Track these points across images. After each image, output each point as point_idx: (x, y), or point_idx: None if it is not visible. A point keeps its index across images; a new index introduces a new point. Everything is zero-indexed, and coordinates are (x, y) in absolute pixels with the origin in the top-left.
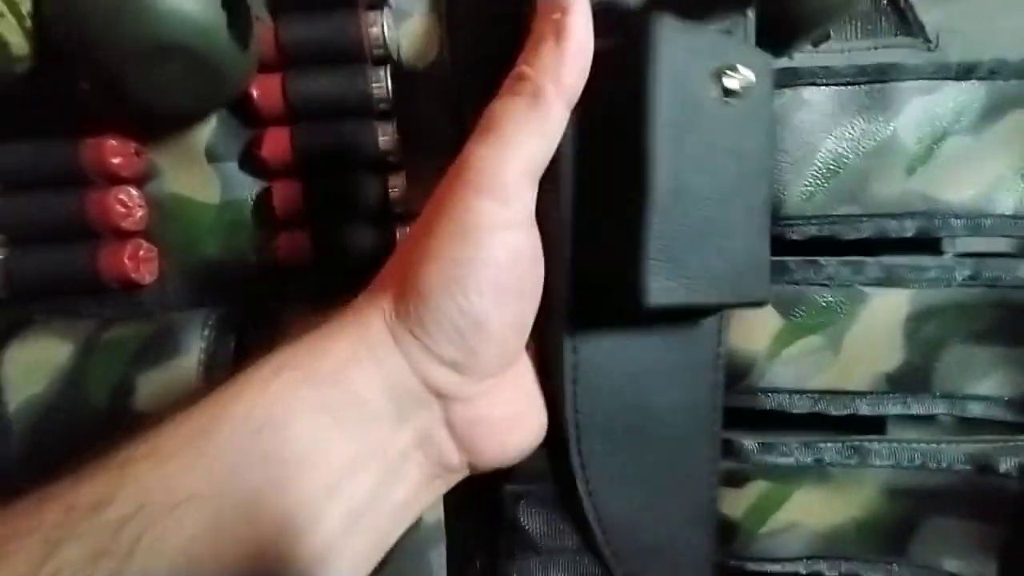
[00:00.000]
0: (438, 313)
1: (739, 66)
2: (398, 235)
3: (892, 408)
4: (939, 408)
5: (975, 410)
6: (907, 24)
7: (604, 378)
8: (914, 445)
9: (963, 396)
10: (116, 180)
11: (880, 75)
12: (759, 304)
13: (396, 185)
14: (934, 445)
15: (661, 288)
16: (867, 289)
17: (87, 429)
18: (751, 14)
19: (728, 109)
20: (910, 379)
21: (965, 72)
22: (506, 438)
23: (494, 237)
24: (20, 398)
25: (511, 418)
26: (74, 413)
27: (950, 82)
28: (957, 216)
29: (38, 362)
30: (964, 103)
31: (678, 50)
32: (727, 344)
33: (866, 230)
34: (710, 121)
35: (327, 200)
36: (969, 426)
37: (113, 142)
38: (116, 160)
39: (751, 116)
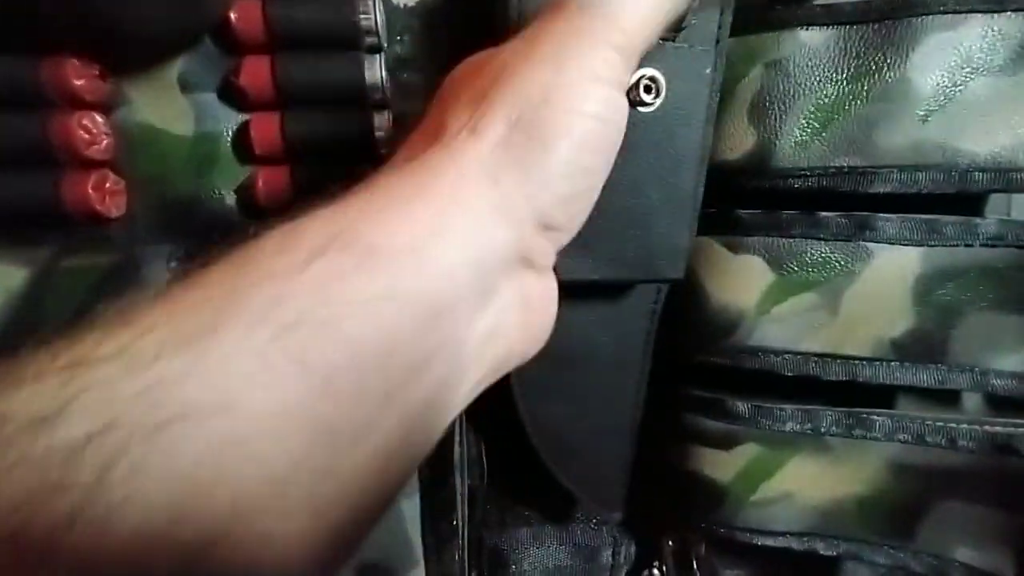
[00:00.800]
0: (566, 164)
1: (655, 75)
2: None
3: (899, 377)
4: (955, 382)
5: (998, 386)
6: None
7: None
8: (927, 421)
9: (984, 370)
10: (79, 104)
11: (891, 11)
12: (670, 282)
13: (381, 123)
14: (951, 424)
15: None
16: (872, 245)
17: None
18: None
19: (646, 113)
20: (920, 347)
21: (998, 2)
22: (545, 318)
23: (618, 94)
24: None
25: (551, 298)
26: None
27: (978, 15)
28: (982, 169)
29: None
30: (996, 38)
31: None
32: (661, 301)
33: (870, 184)
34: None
35: (309, 135)
36: (990, 404)
37: (76, 62)
38: (79, 82)
39: (676, 117)
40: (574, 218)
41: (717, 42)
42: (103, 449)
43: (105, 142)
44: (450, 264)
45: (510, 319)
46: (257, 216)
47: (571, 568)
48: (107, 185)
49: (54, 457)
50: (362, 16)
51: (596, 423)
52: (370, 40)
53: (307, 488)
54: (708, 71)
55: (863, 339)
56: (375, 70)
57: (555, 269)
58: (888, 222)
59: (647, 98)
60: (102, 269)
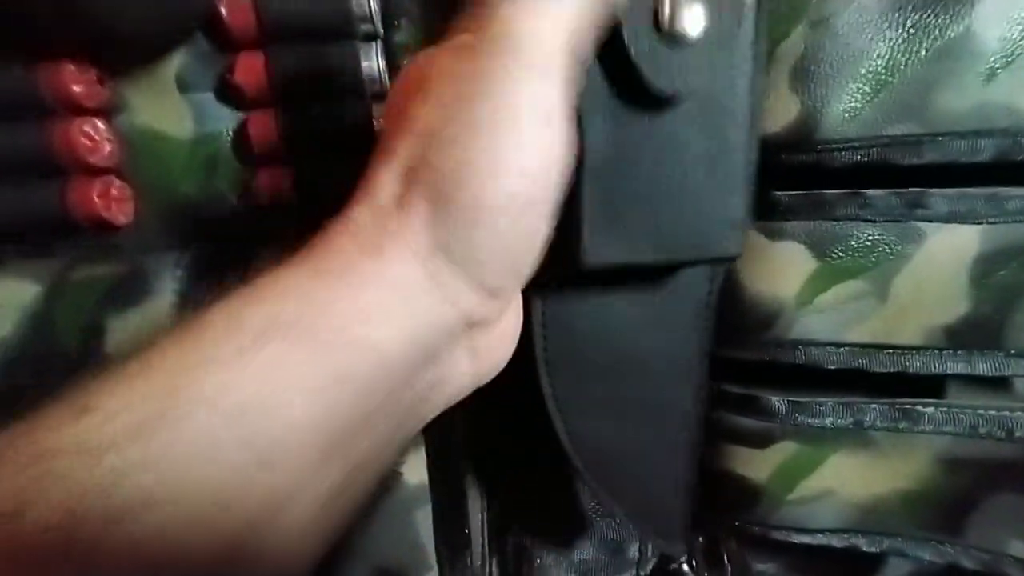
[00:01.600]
0: (499, 236)
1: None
2: None
3: (952, 366)
4: (1012, 369)
5: None
6: None
7: (572, 324)
8: (980, 411)
9: None
10: (79, 111)
11: None
12: (727, 260)
13: (382, 115)
14: (1005, 412)
15: (599, 247)
16: (925, 225)
17: (56, 372)
18: None
19: (683, 54)
20: (976, 333)
21: None
22: (505, 351)
23: (552, 128)
24: None
25: (512, 329)
26: (43, 356)
27: None
28: None
29: (5, 304)
30: None
31: None
32: (715, 292)
33: (928, 153)
34: (655, 53)
35: (307, 132)
36: None
37: (72, 67)
38: (77, 88)
39: (719, 62)
40: (521, 273)
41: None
42: (60, 540)
43: (108, 148)
44: (388, 347)
45: (457, 370)
46: (261, 218)
47: (596, 563)
48: (112, 192)
49: (19, 551)
50: (355, 2)
51: (649, 440)
52: (365, 28)
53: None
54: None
55: (914, 327)
56: (372, 59)
57: (583, 254)
58: (943, 199)
59: (688, 28)
60: (111, 280)
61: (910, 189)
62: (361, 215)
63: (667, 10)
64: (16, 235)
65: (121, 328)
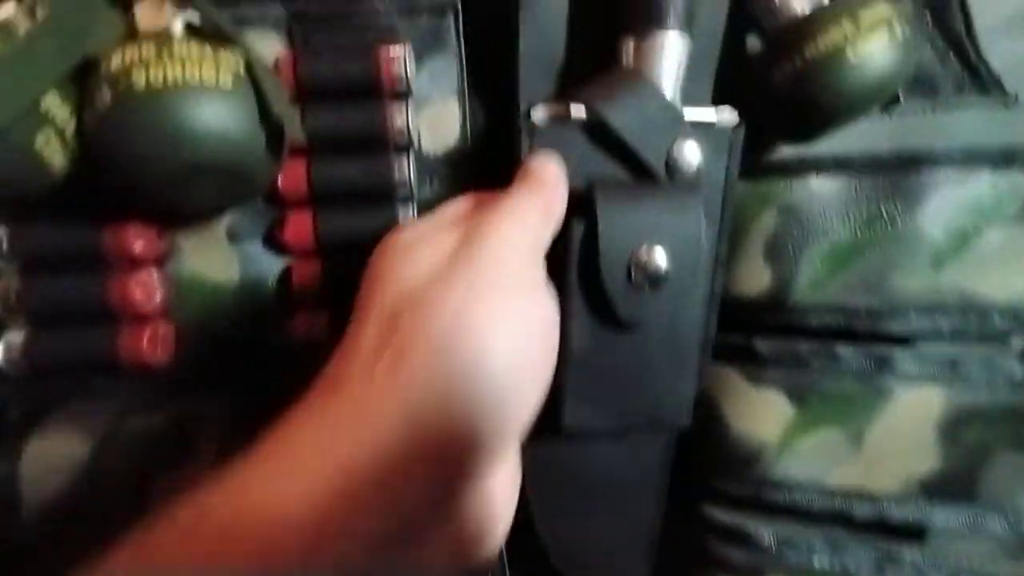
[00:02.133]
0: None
1: (656, 250)
2: None
3: (930, 515)
4: (990, 523)
5: None
6: (977, 77)
7: (557, 457)
8: (962, 560)
9: (1018, 510)
10: (137, 263)
11: (900, 164)
12: (677, 428)
13: None
14: (988, 565)
15: (576, 417)
16: (893, 382)
17: (104, 528)
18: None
19: (649, 295)
20: (950, 487)
21: (1006, 160)
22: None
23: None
24: (37, 495)
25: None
26: (90, 512)
27: (986, 170)
28: (1002, 314)
29: (56, 459)
30: (1006, 192)
31: (607, 226)
32: (673, 437)
33: (890, 325)
34: (627, 296)
35: (347, 280)
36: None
37: (136, 227)
38: (138, 244)
39: (679, 301)
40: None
41: (724, 203)
42: None
43: (158, 296)
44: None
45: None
46: (296, 357)
47: None
48: (159, 335)
49: None
50: (397, 173)
51: (615, 543)
52: (403, 192)
53: None
54: (712, 229)
55: (890, 477)
56: (408, 218)
57: (566, 420)
58: (910, 359)
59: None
60: (155, 436)
61: (878, 347)
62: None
63: (636, 267)
64: (63, 377)
65: (167, 485)
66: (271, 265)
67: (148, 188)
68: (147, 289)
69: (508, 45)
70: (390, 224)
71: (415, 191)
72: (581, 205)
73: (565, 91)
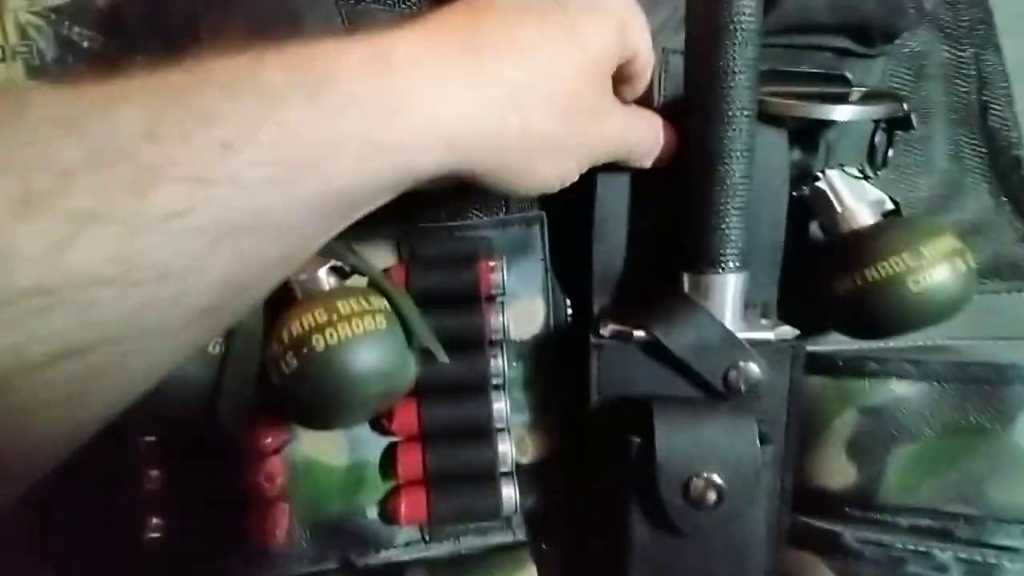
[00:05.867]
0: None
1: (712, 476)
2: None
3: None
4: None
5: None
6: None
7: None
8: None
9: None
10: (263, 455)
11: (987, 377)
12: None
13: (505, 447)
14: None
15: None
16: None
17: None
18: None
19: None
20: None
21: None
22: None
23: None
24: None
25: None
26: None
27: None
28: None
29: None
30: None
31: (664, 447)
32: None
33: (993, 536)
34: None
35: (448, 463)
36: None
37: (265, 422)
38: (268, 440)
39: (737, 505)
40: None
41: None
42: None
43: (280, 481)
44: None
45: None
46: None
47: None
48: (279, 516)
49: None
50: (492, 365)
51: None
52: (496, 381)
53: None
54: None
55: None
56: (501, 405)
57: None
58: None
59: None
60: None
61: (981, 552)
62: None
63: (693, 487)
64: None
65: None
66: (376, 446)
67: (321, 423)
68: (272, 478)
69: (584, 259)
70: (485, 413)
71: (506, 378)
72: (640, 421)
73: (632, 301)
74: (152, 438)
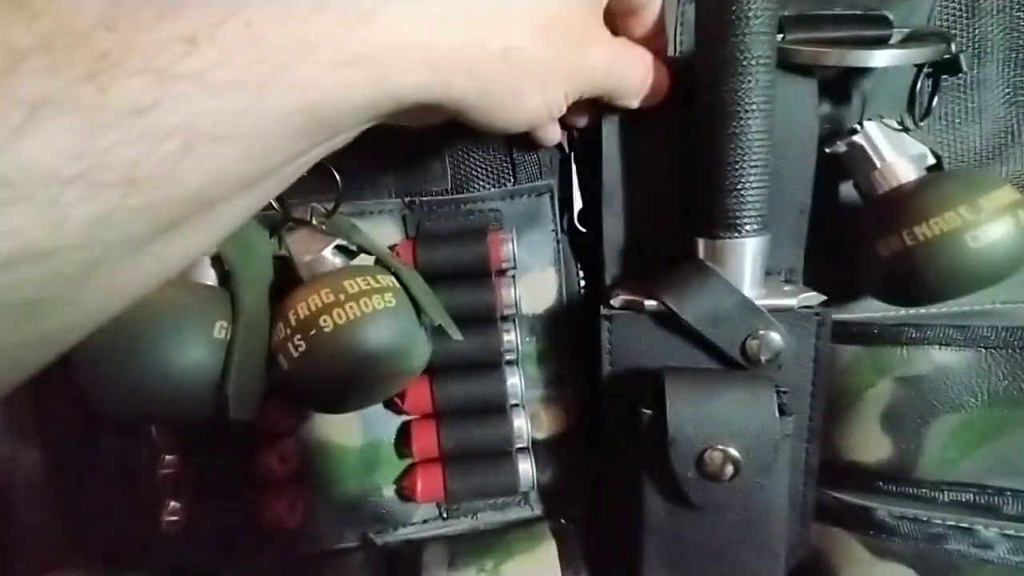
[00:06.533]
0: None
1: (727, 449)
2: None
3: None
4: None
5: None
6: None
7: None
8: None
9: None
10: (275, 437)
11: None
12: None
13: (520, 423)
14: None
15: None
16: None
17: None
18: None
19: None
20: None
21: None
22: None
23: None
24: None
25: None
26: None
27: None
28: None
29: None
30: None
31: (676, 420)
32: None
33: None
34: (698, 484)
35: (461, 438)
36: None
37: (276, 406)
38: (281, 422)
39: (755, 478)
40: None
41: (815, 381)
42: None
43: (293, 464)
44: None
45: None
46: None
47: None
48: (295, 499)
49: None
50: (504, 340)
51: None
52: (509, 357)
53: None
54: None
55: None
56: (515, 380)
57: None
58: None
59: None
60: None
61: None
62: None
63: (708, 460)
64: (215, 550)
65: None
66: (390, 425)
67: (334, 406)
68: (284, 459)
69: (595, 228)
70: (498, 387)
71: (520, 352)
72: (652, 392)
73: (644, 271)
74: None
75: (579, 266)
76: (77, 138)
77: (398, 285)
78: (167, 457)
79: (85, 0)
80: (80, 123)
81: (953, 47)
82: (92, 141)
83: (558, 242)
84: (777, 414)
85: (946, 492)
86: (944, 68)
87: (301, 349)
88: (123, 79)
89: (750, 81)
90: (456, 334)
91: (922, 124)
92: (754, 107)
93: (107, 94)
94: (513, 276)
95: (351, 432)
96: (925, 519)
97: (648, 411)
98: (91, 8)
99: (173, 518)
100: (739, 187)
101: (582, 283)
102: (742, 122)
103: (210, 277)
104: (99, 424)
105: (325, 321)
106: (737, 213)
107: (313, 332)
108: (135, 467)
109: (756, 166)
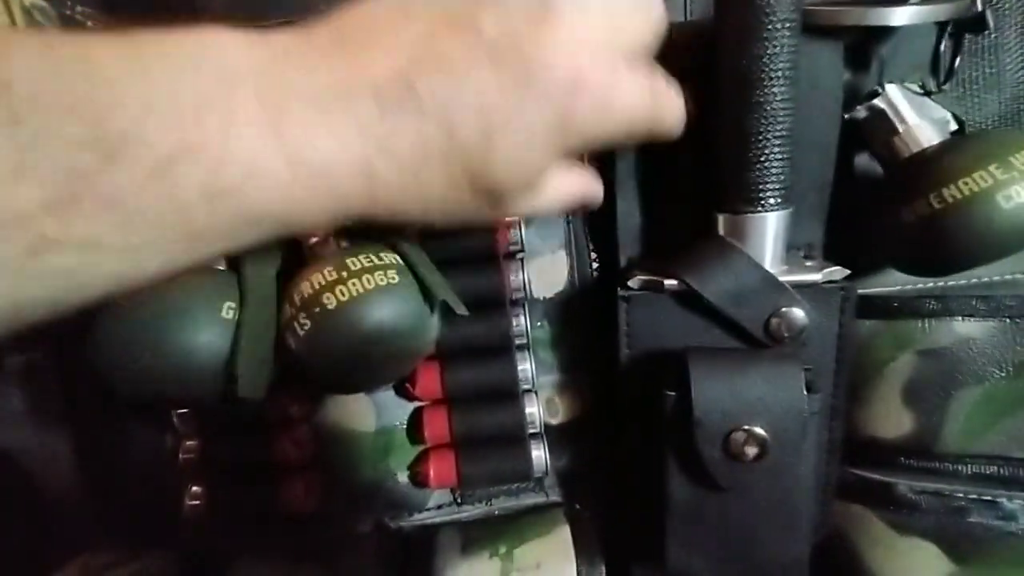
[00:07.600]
0: None
1: (753, 429)
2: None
3: None
4: None
5: None
6: None
7: None
8: None
9: None
10: (290, 424)
11: None
12: None
13: (532, 409)
14: None
15: (680, 561)
16: None
17: None
18: None
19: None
20: None
21: None
22: None
23: None
24: None
25: None
26: None
27: None
28: None
29: None
30: None
31: (701, 402)
32: None
33: None
34: (724, 466)
35: (472, 424)
36: None
37: (291, 393)
38: (295, 408)
39: (782, 457)
40: None
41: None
42: None
43: (308, 448)
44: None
45: None
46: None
47: None
48: (311, 485)
49: None
50: (515, 325)
51: None
52: (520, 342)
53: None
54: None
55: None
56: (527, 366)
57: (669, 563)
58: None
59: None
60: None
61: None
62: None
63: (734, 441)
64: (235, 534)
65: None
66: (402, 410)
67: (344, 386)
68: (299, 445)
69: (609, 207)
70: (509, 372)
71: (531, 337)
72: (674, 374)
73: (662, 251)
74: (184, 409)
75: (591, 248)
76: None
77: (402, 263)
78: (188, 443)
79: None
80: None
81: (979, 3)
82: None
83: (569, 224)
84: (805, 392)
85: (969, 465)
86: (967, 26)
87: (306, 327)
88: None
89: (776, 46)
90: (461, 309)
91: (945, 87)
92: (779, 74)
93: None
94: (522, 260)
95: (365, 418)
96: (947, 493)
97: (672, 393)
98: None
99: (195, 502)
100: (763, 159)
101: (594, 266)
102: (767, 90)
103: (219, 260)
104: (126, 411)
105: (328, 299)
106: (760, 186)
107: (317, 310)
108: (160, 453)
109: (780, 136)
